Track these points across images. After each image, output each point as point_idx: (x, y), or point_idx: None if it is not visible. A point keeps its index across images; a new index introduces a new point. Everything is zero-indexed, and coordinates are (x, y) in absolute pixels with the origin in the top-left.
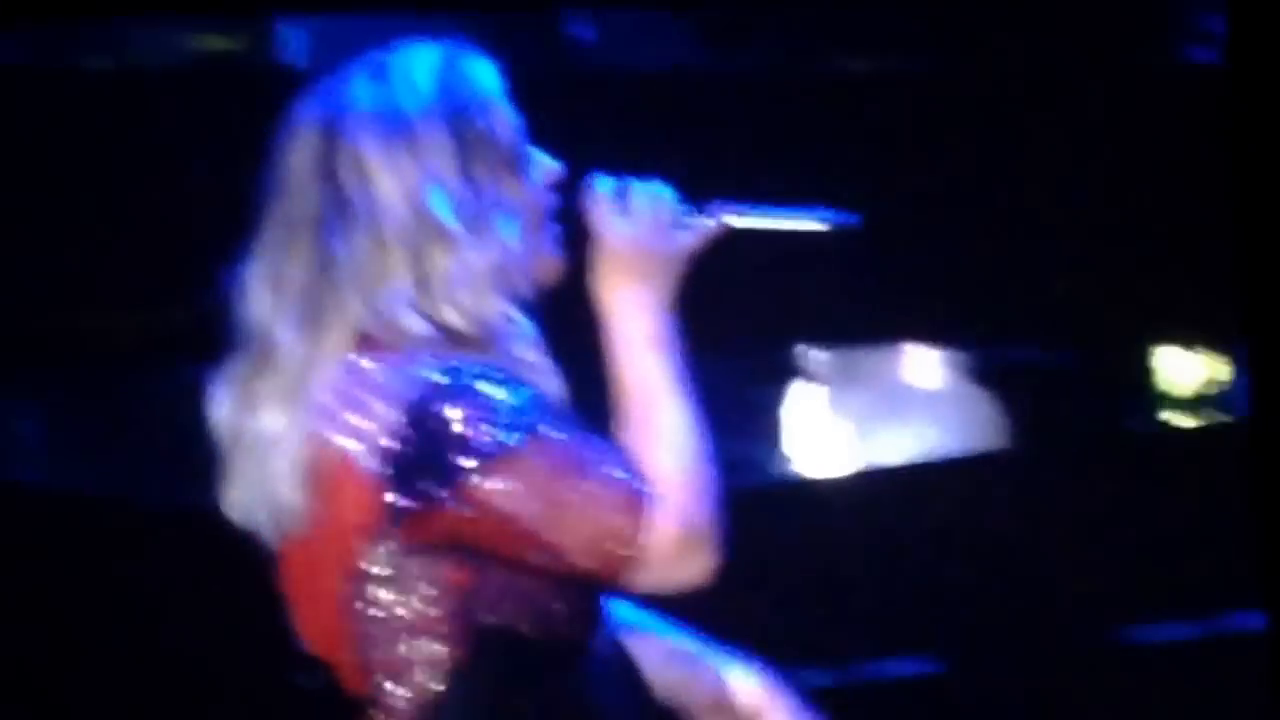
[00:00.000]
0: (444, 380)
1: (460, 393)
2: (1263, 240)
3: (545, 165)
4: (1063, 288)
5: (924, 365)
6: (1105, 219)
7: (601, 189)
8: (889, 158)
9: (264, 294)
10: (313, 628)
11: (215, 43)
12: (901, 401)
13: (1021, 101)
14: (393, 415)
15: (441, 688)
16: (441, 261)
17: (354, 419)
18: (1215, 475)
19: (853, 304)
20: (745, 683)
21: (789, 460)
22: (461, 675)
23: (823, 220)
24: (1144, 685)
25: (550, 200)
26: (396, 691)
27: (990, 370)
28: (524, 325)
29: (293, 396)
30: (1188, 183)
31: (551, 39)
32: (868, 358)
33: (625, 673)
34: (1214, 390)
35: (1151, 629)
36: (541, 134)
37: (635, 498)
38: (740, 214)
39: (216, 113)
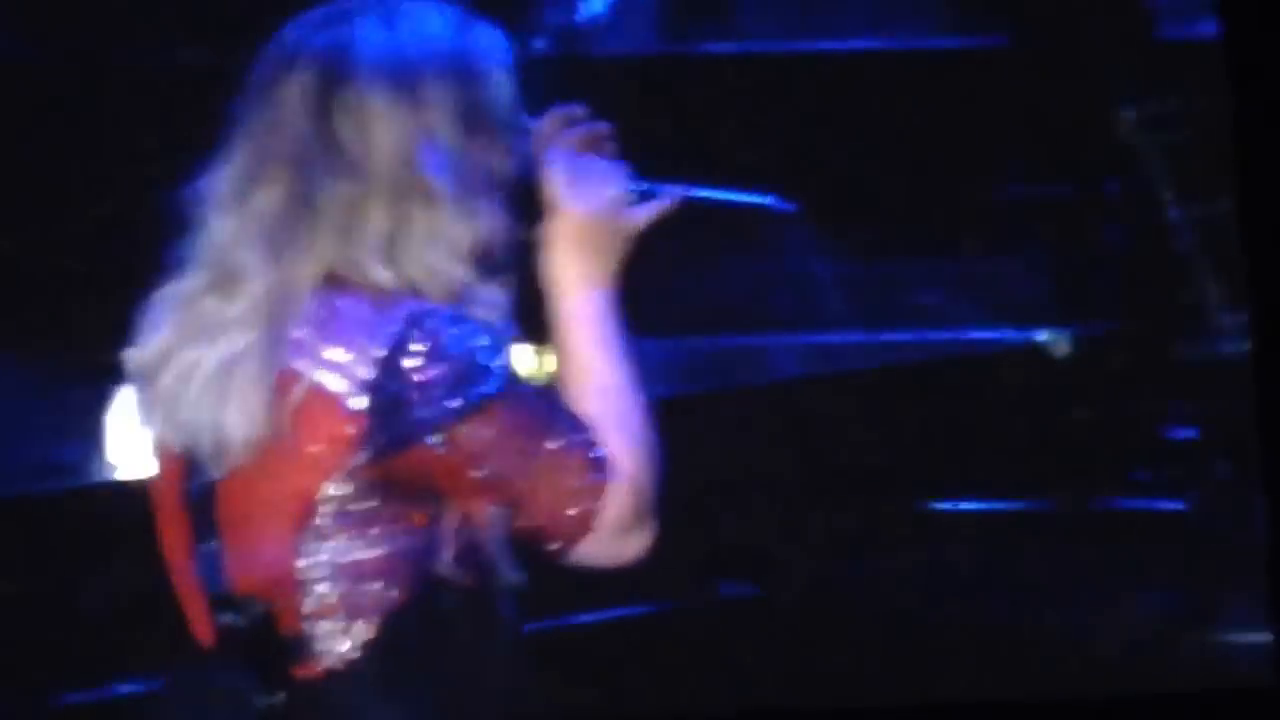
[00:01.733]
0: (427, 320)
1: (442, 333)
2: None
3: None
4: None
5: None
6: None
7: (556, 164)
8: None
9: (228, 218)
10: (249, 564)
11: None
12: None
13: None
14: (376, 352)
15: (375, 633)
16: (420, 219)
17: (333, 354)
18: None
19: None
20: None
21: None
22: (396, 621)
23: (764, 205)
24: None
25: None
26: (331, 633)
27: None
28: (493, 297)
29: (256, 322)
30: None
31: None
32: None
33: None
34: None
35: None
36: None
37: (596, 463)
38: (693, 195)
39: None
